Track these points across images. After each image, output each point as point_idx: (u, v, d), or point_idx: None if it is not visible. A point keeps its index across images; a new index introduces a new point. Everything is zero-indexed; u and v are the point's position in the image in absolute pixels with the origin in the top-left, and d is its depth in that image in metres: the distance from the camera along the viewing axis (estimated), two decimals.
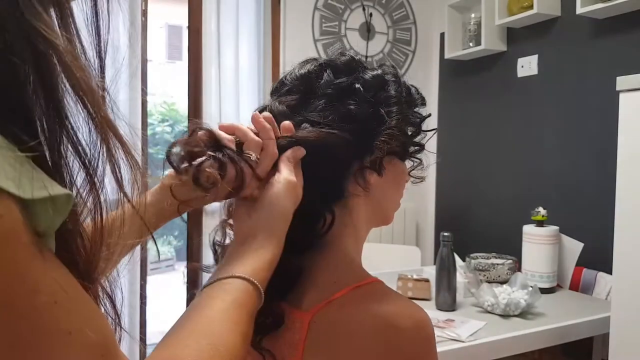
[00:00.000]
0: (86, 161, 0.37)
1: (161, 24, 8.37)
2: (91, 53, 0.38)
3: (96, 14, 0.38)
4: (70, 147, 0.36)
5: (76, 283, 0.35)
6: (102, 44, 0.39)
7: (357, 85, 0.67)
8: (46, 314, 0.32)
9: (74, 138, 0.36)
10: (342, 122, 0.65)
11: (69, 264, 0.35)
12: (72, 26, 0.37)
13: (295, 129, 0.65)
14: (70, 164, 0.36)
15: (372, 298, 0.62)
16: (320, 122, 0.65)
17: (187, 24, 2.58)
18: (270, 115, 0.65)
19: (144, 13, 2.40)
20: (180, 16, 3.79)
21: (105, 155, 0.38)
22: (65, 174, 0.36)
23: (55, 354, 0.33)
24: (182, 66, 3.53)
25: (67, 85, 0.35)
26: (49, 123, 0.35)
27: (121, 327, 0.42)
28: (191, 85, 2.57)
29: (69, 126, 0.36)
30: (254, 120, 0.64)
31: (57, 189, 0.33)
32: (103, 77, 0.39)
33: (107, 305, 0.41)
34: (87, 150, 0.37)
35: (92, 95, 0.36)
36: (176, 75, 7.05)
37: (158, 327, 3.94)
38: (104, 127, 0.37)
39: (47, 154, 0.35)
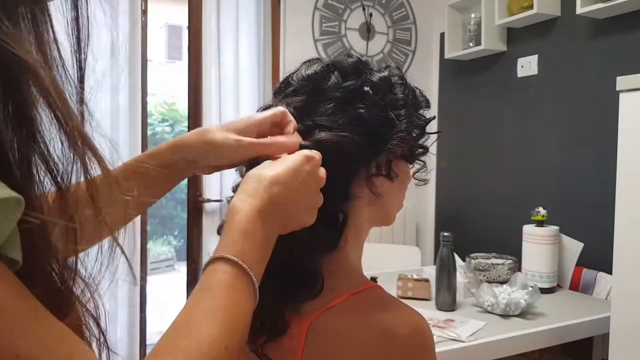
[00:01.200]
0: (58, 178, 0.34)
1: (161, 24, 8.36)
2: (71, 61, 0.36)
3: (77, 21, 0.37)
4: (41, 163, 0.34)
5: (31, 300, 0.31)
6: (82, 53, 0.37)
7: (366, 88, 0.67)
8: None
9: (45, 154, 0.34)
10: (352, 125, 0.65)
11: (43, 284, 0.32)
12: (48, 35, 0.35)
13: (306, 133, 0.65)
14: (42, 179, 0.34)
15: (370, 305, 0.62)
16: (332, 126, 0.64)
17: (187, 24, 2.58)
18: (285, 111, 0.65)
19: (144, 13, 2.41)
20: (180, 16, 3.79)
21: (80, 171, 0.35)
22: (36, 190, 0.33)
23: None
24: (182, 66, 3.53)
25: (39, 100, 0.33)
26: (18, 139, 0.32)
27: (108, 348, 0.39)
28: (191, 85, 2.57)
29: (40, 142, 0.33)
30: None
31: None
32: (82, 88, 0.37)
33: (92, 325, 0.37)
34: (60, 167, 0.35)
35: (66, 110, 0.34)
36: (176, 75, 7.05)
37: (158, 327, 3.95)
38: (79, 141, 0.35)
39: (15, 167, 0.32)
